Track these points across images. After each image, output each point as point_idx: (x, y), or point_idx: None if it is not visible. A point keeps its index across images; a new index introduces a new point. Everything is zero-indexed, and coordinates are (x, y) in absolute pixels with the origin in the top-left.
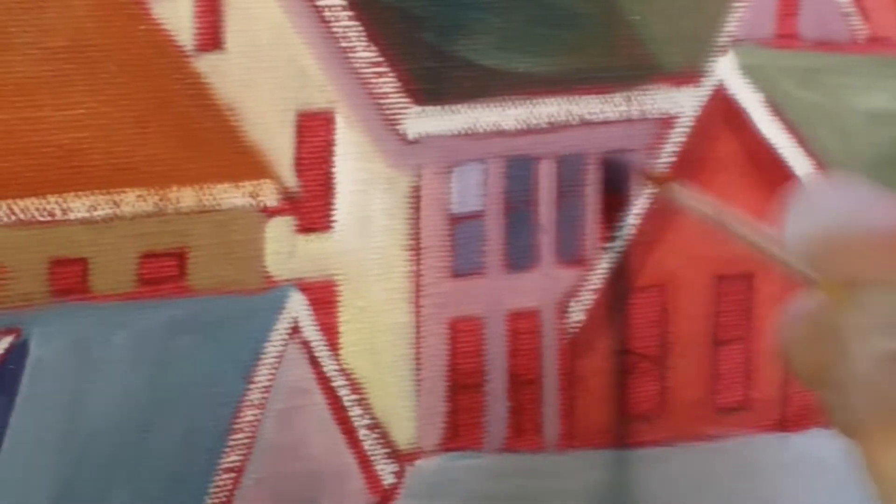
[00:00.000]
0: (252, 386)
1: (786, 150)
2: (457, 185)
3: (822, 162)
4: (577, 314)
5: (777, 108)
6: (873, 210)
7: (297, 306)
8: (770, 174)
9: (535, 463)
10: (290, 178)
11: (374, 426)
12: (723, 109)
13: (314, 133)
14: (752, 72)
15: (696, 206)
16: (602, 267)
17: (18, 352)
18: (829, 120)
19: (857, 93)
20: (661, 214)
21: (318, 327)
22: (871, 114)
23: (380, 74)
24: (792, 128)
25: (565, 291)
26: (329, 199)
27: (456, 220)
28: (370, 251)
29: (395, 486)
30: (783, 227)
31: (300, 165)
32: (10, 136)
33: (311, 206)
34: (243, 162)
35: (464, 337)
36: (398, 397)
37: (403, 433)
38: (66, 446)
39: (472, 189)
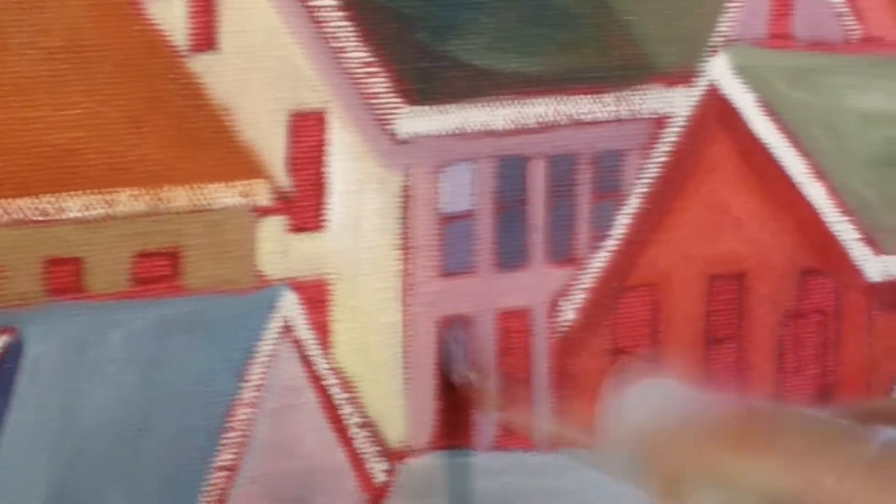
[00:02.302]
0: (245, 385)
1: (779, 150)
2: (447, 185)
3: (816, 162)
4: (568, 313)
5: (770, 109)
6: (687, 404)
7: (290, 305)
8: (764, 174)
9: (526, 461)
10: (282, 178)
11: (366, 424)
12: (716, 109)
13: (307, 133)
14: (745, 72)
15: (517, 422)
16: (593, 266)
17: (13, 351)
18: (822, 120)
19: (850, 93)
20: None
21: (310, 326)
22: (865, 114)
23: (372, 74)
24: (785, 128)
25: (556, 291)
26: (321, 199)
27: (446, 220)
28: (362, 251)
29: (386, 485)
30: (603, 429)
31: (293, 165)
32: (5, 135)
33: (304, 206)
34: (236, 161)
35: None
36: (389, 396)
37: (395, 431)
38: (61, 445)
39: (462, 189)
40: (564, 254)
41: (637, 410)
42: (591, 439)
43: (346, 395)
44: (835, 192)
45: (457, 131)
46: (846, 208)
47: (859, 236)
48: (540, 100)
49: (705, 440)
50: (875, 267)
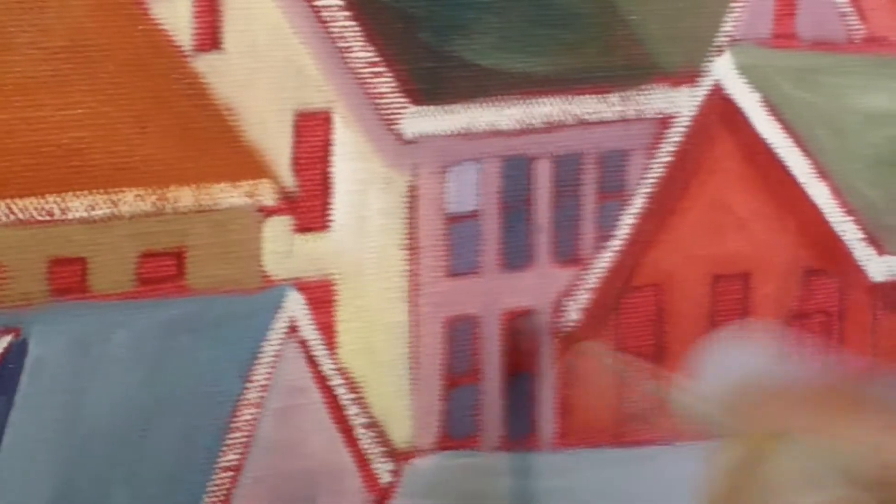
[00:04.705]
0: (250, 385)
1: (783, 149)
2: (453, 185)
3: (819, 161)
4: (573, 313)
5: (774, 108)
6: (786, 364)
7: (295, 305)
8: (767, 174)
9: (531, 461)
10: (287, 178)
11: (371, 425)
12: (720, 109)
13: (312, 133)
14: (749, 72)
15: (610, 364)
16: (597, 266)
17: (18, 351)
18: (826, 120)
19: (854, 93)
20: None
21: (315, 326)
22: (869, 113)
23: (377, 74)
24: (789, 128)
25: (561, 291)
26: (326, 199)
27: (452, 220)
28: (367, 251)
29: (391, 485)
30: (699, 381)
31: (298, 165)
32: (9, 135)
33: (309, 206)
34: (241, 162)
35: (459, 336)
36: (395, 396)
37: (400, 432)
38: (66, 445)
39: (468, 189)
40: (569, 254)
41: (736, 367)
42: (682, 393)
43: (352, 396)
44: (838, 191)
45: (462, 131)
46: (850, 208)
47: (863, 236)
48: (545, 100)
49: (805, 400)
50: (879, 267)
